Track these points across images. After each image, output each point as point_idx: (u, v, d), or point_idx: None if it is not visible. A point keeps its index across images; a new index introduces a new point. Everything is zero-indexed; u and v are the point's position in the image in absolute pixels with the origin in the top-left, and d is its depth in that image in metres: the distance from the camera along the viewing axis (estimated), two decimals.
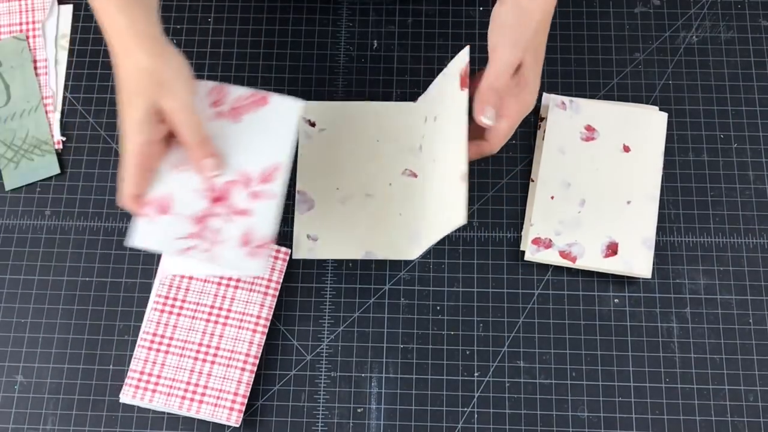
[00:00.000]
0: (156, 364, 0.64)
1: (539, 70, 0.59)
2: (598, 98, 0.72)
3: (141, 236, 0.58)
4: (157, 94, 0.56)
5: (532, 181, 0.69)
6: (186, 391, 0.63)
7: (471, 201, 0.70)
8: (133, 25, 0.57)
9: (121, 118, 0.57)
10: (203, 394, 0.63)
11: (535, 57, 0.58)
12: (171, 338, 0.64)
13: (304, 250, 0.66)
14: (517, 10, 0.57)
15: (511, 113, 0.58)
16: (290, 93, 0.73)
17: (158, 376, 0.63)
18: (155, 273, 0.68)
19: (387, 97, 0.73)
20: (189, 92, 0.58)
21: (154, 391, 0.63)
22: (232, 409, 0.62)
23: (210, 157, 0.58)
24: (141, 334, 0.65)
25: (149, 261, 0.69)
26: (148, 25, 0.58)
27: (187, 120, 0.57)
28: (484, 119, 0.57)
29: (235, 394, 0.63)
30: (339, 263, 0.68)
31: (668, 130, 0.70)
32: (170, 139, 0.59)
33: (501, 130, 0.58)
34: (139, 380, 0.63)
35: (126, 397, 0.63)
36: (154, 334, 0.64)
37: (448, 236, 0.69)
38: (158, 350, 0.64)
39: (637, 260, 0.66)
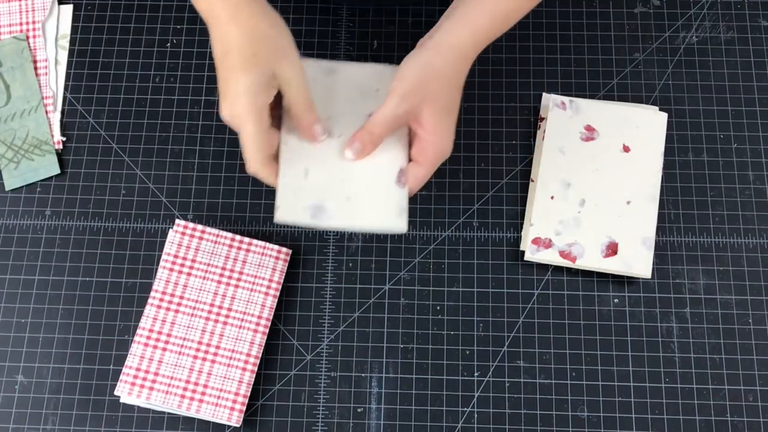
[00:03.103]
0: (153, 360, 0.64)
1: (450, 121, 0.58)
2: (598, 98, 0.72)
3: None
4: (276, 61, 0.56)
5: (532, 181, 0.69)
6: (185, 389, 0.63)
7: (471, 201, 0.70)
8: None
9: (225, 82, 0.56)
10: (203, 393, 0.63)
11: (436, 110, 0.57)
12: (169, 335, 0.64)
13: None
14: (420, 67, 0.57)
15: (427, 160, 0.58)
16: None
17: (155, 373, 0.63)
18: (155, 273, 0.68)
19: None
20: (299, 61, 0.58)
21: (151, 388, 0.63)
22: (233, 409, 0.62)
23: (318, 122, 0.59)
24: (138, 330, 0.65)
25: (149, 261, 0.69)
26: None
27: (300, 88, 0.57)
28: (346, 152, 0.59)
29: (236, 393, 0.63)
30: (339, 263, 0.68)
31: (668, 130, 0.70)
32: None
33: (418, 174, 0.59)
34: (135, 377, 0.63)
35: (122, 393, 0.63)
36: (151, 330, 0.64)
37: (448, 236, 0.69)
38: (155, 347, 0.64)
39: (636, 260, 0.66)
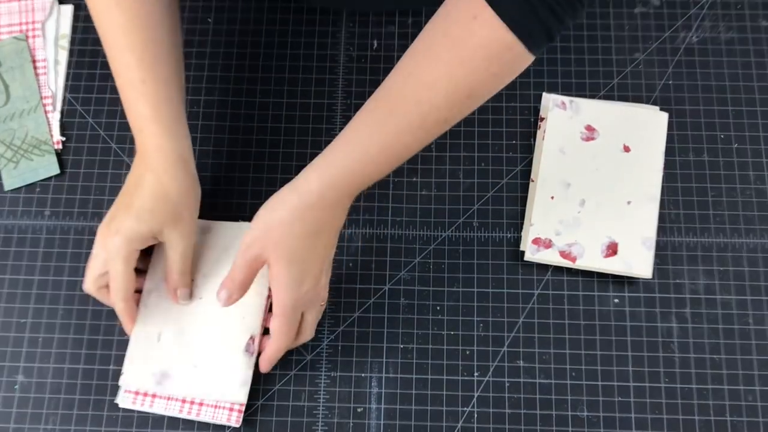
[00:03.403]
0: None
1: (295, 271, 0.56)
2: (598, 98, 0.72)
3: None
4: (168, 225, 0.59)
5: (532, 181, 0.69)
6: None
7: (471, 201, 0.70)
8: (166, 147, 0.59)
9: (117, 210, 0.59)
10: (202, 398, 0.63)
11: (278, 260, 0.56)
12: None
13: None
14: (268, 213, 0.57)
15: (277, 311, 0.58)
16: (290, 93, 0.74)
17: None
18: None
19: None
20: (194, 230, 0.61)
21: (154, 396, 0.63)
22: (231, 410, 0.62)
23: (187, 288, 0.61)
24: None
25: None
26: (181, 153, 0.60)
27: (183, 255, 0.60)
28: (217, 298, 0.60)
29: None
30: (339, 263, 0.68)
31: (668, 130, 0.70)
32: None
33: (274, 325, 0.59)
34: (137, 392, 0.63)
35: (124, 402, 0.63)
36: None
37: (448, 236, 0.69)
38: None
39: (637, 260, 0.66)
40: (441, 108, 0.54)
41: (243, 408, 0.62)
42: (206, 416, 0.62)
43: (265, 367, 0.61)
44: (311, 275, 0.58)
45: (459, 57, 0.52)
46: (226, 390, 0.61)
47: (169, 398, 0.62)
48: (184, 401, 0.62)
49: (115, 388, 0.64)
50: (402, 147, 0.56)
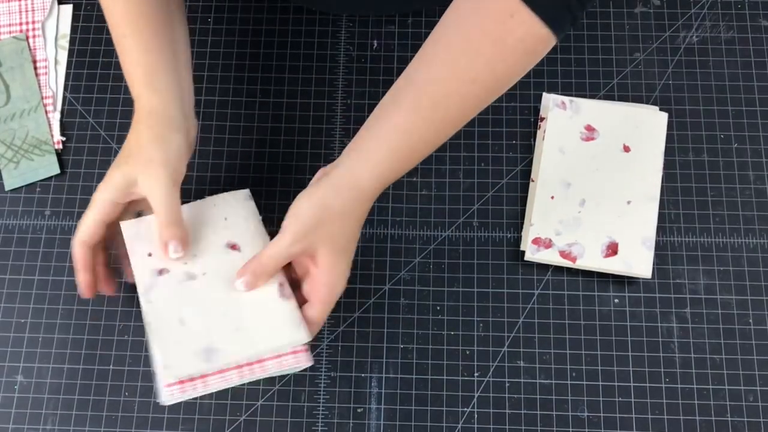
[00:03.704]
0: None
1: (346, 260, 0.57)
2: (598, 98, 0.72)
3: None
4: (143, 170, 0.58)
5: (532, 181, 0.69)
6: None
7: (471, 201, 0.70)
8: (145, 101, 0.60)
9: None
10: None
11: (331, 251, 0.57)
12: None
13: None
14: (317, 208, 0.57)
15: (320, 299, 0.57)
16: (290, 93, 0.74)
17: None
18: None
19: None
20: (174, 178, 0.59)
21: (203, 376, 0.56)
22: (296, 352, 0.57)
23: (176, 239, 0.58)
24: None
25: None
26: (162, 106, 0.60)
27: (165, 201, 0.58)
28: (237, 283, 0.58)
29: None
30: None
31: (668, 130, 0.70)
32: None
33: (314, 315, 0.58)
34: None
35: (172, 397, 0.55)
36: None
37: (448, 236, 0.69)
38: None
39: (637, 260, 0.66)
40: (482, 101, 0.57)
41: (308, 347, 0.58)
42: (273, 369, 0.57)
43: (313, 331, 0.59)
44: (350, 264, 0.59)
45: (501, 54, 0.55)
46: (283, 336, 0.56)
47: (221, 371, 0.56)
48: (240, 367, 0.56)
49: (115, 388, 0.64)
50: (443, 138, 0.59)
